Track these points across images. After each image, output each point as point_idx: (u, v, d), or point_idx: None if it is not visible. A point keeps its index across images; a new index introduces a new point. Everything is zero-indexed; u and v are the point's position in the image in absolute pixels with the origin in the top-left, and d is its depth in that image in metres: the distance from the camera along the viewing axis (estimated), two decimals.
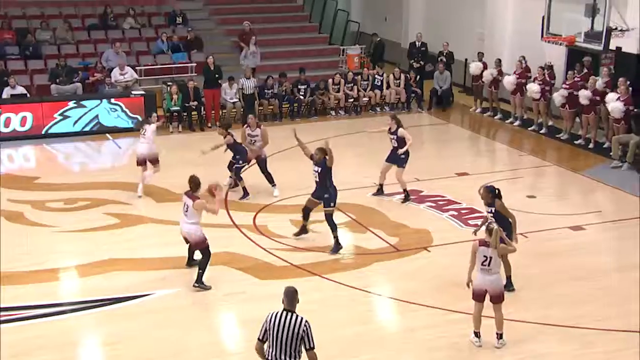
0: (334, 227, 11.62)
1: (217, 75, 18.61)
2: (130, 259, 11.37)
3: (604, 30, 13.81)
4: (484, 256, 8.80)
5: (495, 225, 8.89)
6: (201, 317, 9.86)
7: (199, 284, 10.39)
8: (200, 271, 10.41)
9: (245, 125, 14.29)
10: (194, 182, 10.59)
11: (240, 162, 13.85)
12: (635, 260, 11.44)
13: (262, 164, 14.02)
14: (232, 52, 21.74)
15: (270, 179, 13.99)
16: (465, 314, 9.58)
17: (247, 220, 12.82)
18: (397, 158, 13.36)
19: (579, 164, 15.80)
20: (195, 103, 18.30)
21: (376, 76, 20.15)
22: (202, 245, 10.50)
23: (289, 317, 6.92)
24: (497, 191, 10.09)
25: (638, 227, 12.36)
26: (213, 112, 18.71)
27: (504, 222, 9.82)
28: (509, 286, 10.09)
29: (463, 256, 11.44)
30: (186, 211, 10.51)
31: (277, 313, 6.97)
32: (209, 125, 18.56)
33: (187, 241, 10.74)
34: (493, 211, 10.04)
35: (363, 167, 15.25)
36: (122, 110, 18.01)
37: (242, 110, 18.45)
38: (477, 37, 21.28)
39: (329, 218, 11.62)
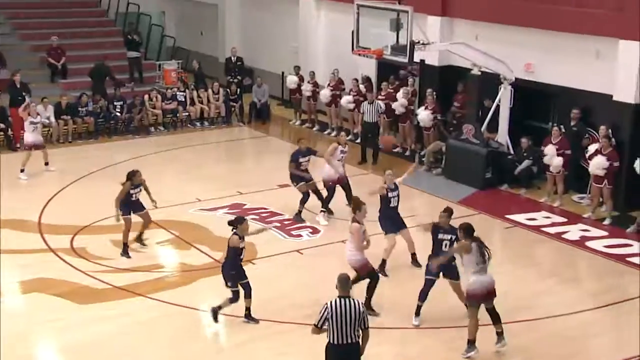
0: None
1: (24, 93, 17.60)
2: None
3: (407, 44, 14.62)
4: None
5: None
6: (16, 348, 9.23)
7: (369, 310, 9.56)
8: (368, 296, 9.97)
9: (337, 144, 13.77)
10: (356, 203, 10.15)
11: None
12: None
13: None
14: (40, 68, 20.70)
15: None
16: (293, 323, 9.74)
17: (64, 243, 12.24)
18: None
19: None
20: (2, 126, 17.19)
21: (178, 92, 19.97)
22: (365, 270, 10.02)
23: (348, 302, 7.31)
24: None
25: None
26: (22, 132, 17.67)
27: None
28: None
29: (288, 267, 11.71)
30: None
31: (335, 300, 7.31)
32: (18, 145, 17.52)
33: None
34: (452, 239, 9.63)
35: (184, 183, 15.08)
36: None
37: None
38: (292, 51, 21.77)
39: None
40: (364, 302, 9.40)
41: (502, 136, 15.82)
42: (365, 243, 10.03)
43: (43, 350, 9.57)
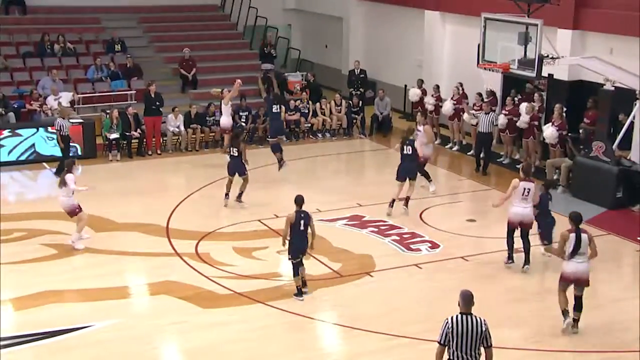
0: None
1: (157, 103, 18.46)
2: (68, 291, 11.11)
3: (536, 58, 14.23)
4: None
5: None
6: (142, 348, 9.65)
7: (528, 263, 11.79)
8: (528, 255, 11.75)
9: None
10: (529, 167, 12.11)
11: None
12: None
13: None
14: (172, 79, 21.65)
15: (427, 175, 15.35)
16: (409, 338, 9.65)
17: (189, 248, 12.68)
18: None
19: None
20: (139, 133, 18.10)
21: (300, 103, 20.23)
22: (531, 227, 11.71)
23: (470, 319, 7.26)
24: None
25: None
26: (153, 139, 18.53)
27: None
28: None
29: (405, 280, 11.62)
30: (527, 195, 11.54)
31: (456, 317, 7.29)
32: (149, 152, 18.38)
33: (520, 225, 11.68)
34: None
35: (305, 193, 15.19)
36: None
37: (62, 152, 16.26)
38: (416, 64, 21.68)
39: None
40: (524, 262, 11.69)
41: (636, 154, 15.07)
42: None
43: (166, 351, 9.93)
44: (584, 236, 9.76)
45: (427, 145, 15.30)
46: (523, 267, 11.84)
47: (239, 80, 17.52)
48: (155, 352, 9.74)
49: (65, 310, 10.51)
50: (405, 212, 14.20)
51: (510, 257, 11.97)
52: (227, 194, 14.58)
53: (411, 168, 14.34)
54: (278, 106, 16.52)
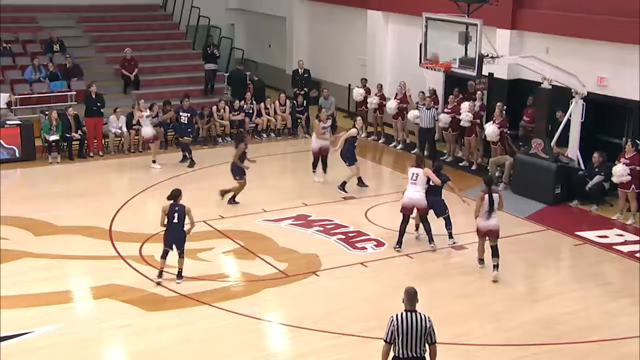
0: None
1: (99, 104, 18.15)
2: (8, 296, 10.82)
3: (476, 57, 14.48)
4: None
5: None
6: (86, 353, 9.48)
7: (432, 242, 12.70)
8: (430, 234, 12.62)
9: (319, 120, 16.34)
10: (420, 156, 13.48)
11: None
12: (513, 276, 11.97)
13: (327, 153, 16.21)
14: (113, 80, 21.31)
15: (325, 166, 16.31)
16: (355, 336, 9.71)
17: (133, 250, 12.51)
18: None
19: (460, 185, 16.31)
20: (79, 134, 17.77)
21: (245, 104, 20.12)
22: (426, 210, 12.53)
23: (414, 316, 7.34)
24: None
25: (514, 245, 12.96)
26: (95, 141, 18.21)
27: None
28: None
29: (351, 279, 11.69)
30: (415, 179, 12.44)
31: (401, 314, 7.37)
32: (91, 154, 18.06)
33: (411, 211, 12.54)
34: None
35: (250, 194, 15.21)
36: None
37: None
38: (359, 63, 21.83)
39: None
40: (429, 239, 12.65)
41: (573, 151, 15.47)
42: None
43: (111, 355, 9.79)
44: (495, 196, 11.52)
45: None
46: (430, 244, 12.69)
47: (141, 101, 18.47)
48: (98, 356, 9.58)
49: (5, 316, 10.24)
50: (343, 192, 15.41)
51: (398, 242, 12.66)
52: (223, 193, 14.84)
53: (344, 152, 15.56)
54: (187, 114, 17.82)
